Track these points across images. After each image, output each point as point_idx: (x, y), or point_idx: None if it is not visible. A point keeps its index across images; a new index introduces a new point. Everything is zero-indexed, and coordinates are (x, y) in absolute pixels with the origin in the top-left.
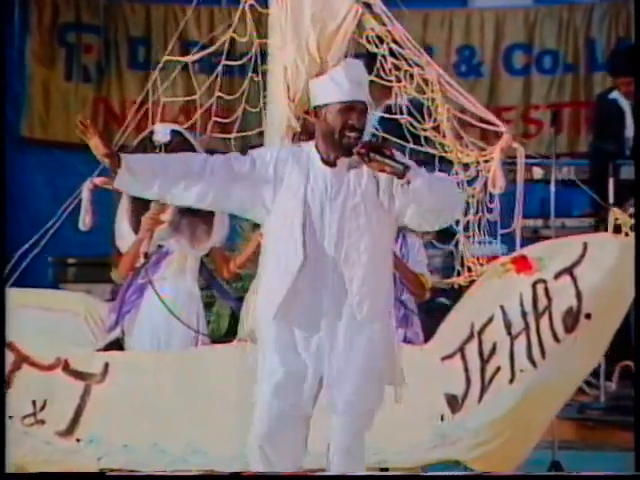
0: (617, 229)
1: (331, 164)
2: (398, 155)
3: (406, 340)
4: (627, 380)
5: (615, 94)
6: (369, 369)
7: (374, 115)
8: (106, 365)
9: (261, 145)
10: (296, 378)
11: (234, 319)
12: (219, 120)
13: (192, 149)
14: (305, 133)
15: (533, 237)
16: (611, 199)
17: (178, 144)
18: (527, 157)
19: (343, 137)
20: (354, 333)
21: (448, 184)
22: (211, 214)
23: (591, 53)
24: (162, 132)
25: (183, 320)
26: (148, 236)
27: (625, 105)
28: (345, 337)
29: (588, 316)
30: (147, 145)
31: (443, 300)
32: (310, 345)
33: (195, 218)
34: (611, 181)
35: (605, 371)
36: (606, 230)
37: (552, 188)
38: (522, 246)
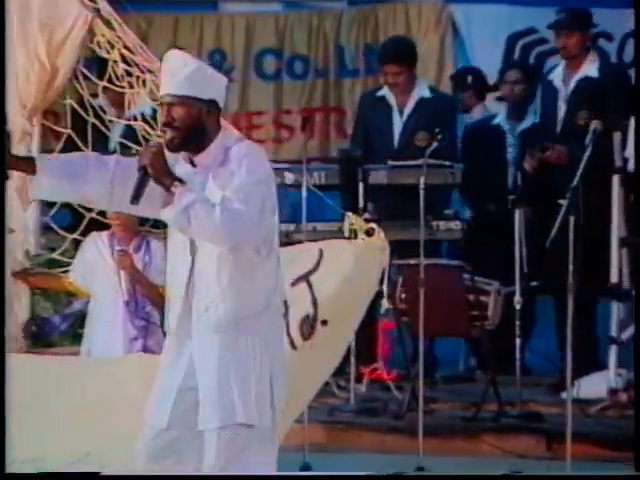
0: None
1: (192, 164)
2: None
3: (146, 349)
4: (376, 383)
5: (383, 91)
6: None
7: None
8: None
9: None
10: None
11: None
12: None
13: None
14: None
15: (286, 241)
16: (361, 204)
17: None
18: (278, 162)
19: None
20: (213, 344)
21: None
22: None
23: (340, 59)
24: None
25: None
26: None
27: (392, 99)
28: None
29: (324, 322)
30: None
31: None
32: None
33: None
34: (361, 186)
35: (355, 374)
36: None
37: (303, 193)
38: None
